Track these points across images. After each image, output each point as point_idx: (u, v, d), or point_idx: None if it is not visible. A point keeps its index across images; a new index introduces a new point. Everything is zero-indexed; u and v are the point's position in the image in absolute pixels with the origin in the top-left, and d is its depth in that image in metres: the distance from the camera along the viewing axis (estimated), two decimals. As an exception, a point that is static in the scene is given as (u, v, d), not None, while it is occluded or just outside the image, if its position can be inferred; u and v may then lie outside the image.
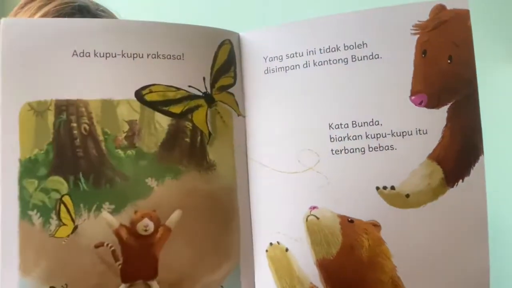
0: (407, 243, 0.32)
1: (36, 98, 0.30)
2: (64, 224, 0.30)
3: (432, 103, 0.33)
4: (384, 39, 0.33)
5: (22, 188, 0.30)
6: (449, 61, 0.32)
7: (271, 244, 0.34)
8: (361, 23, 0.34)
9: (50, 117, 0.31)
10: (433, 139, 0.32)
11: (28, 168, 0.30)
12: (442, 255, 0.32)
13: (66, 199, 0.31)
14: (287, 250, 0.33)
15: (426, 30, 0.33)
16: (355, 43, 0.34)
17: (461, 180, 0.32)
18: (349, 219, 0.33)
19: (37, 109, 0.30)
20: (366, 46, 0.33)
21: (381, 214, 0.32)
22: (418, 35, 0.33)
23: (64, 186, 0.30)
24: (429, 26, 0.33)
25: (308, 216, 0.33)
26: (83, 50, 0.31)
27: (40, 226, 0.30)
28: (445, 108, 0.32)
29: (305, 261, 0.33)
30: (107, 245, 0.31)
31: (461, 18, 0.32)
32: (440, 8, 0.33)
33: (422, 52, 0.33)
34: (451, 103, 0.32)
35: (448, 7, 0.33)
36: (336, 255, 0.33)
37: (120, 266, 0.31)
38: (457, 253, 0.32)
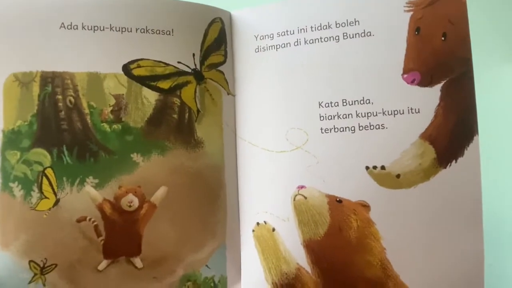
0: (397, 224, 0.32)
1: (22, 69, 0.30)
2: (45, 197, 0.30)
3: (425, 81, 0.32)
4: (377, 16, 0.33)
5: (4, 160, 0.30)
6: (443, 38, 0.32)
7: (258, 224, 0.33)
8: (353, 0, 0.33)
9: (35, 89, 0.31)
10: (425, 118, 0.32)
11: (11, 140, 0.30)
12: (433, 238, 0.31)
13: (49, 171, 0.30)
14: (274, 230, 0.33)
15: (420, 7, 0.32)
16: (347, 20, 0.33)
17: (454, 161, 0.31)
18: (338, 199, 0.32)
19: (22, 80, 0.30)
20: (358, 24, 0.33)
21: (371, 195, 0.32)
22: (411, 12, 0.33)
23: (47, 159, 0.30)
24: (423, 3, 0.32)
25: (296, 195, 0.33)
26: (71, 23, 0.31)
27: (21, 199, 0.30)
28: (438, 87, 0.32)
29: (292, 242, 0.33)
30: (90, 219, 0.31)
31: (456, -5, 0.32)
32: (435, -15, 0.32)
33: (415, 29, 0.32)
34: (445, 81, 0.32)
35: (443, -16, 0.32)
36: (324, 235, 0.32)
37: (102, 242, 0.31)
38: (450, 235, 0.31)
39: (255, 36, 0.35)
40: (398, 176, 0.32)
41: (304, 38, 0.34)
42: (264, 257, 0.33)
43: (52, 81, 0.31)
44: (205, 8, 0.35)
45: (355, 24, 0.33)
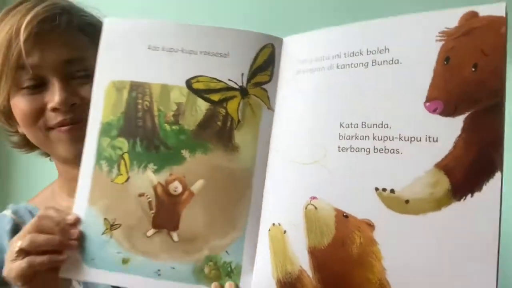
0: (401, 249, 0.33)
1: (118, 78, 0.43)
2: (121, 174, 0.42)
3: (448, 111, 0.33)
4: (407, 45, 0.35)
5: (99, 143, 0.42)
6: (473, 69, 0.32)
7: (273, 224, 0.39)
8: (386, 29, 0.36)
9: (125, 94, 0.43)
10: (443, 147, 0.32)
11: (105, 129, 0.42)
12: (440, 270, 0.32)
13: (126, 156, 0.42)
14: (285, 232, 0.38)
15: (453, 37, 0.33)
16: (377, 48, 0.36)
17: (470, 195, 0.31)
18: (344, 214, 0.35)
19: (117, 87, 0.43)
20: (388, 51, 0.36)
21: (377, 215, 0.34)
22: (443, 42, 0.33)
23: (125, 146, 0.42)
24: (457, 33, 0.33)
25: (308, 205, 0.37)
26: (155, 46, 0.43)
27: (106, 173, 0.42)
28: (461, 117, 0.32)
29: (298, 246, 0.37)
30: (146, 196, 0.41)
31: (494, 25, 0.32)
32: (472, 14, 0.33)
33: (445, 59, 0.33)
34: (470, 112, 0.32)
35: (481, 14, 0.32)
36: (327, 246, 0.36)
37: (152, 215, 0.41)
38: (458, 273, 0.31)
39: (298, 60, 0.41)
40: (407, 201, 0.33)
41: (337, 64, 0.38)
42: (273, 254, 0.38)
43: (136, 89, 0.42)
44: (259, 35, 0.42)
45: (385, 52, 0.36)
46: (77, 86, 0.50)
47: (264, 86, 0.42)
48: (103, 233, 0.41)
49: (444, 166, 0.32)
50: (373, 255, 0.34)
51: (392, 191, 0.33)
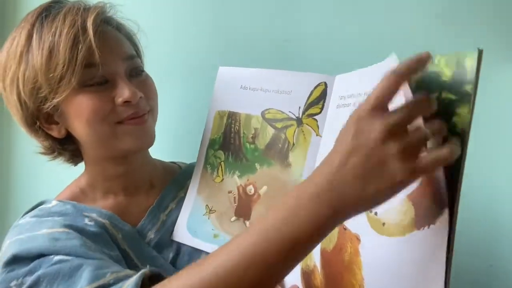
0: (374, 264, 0.42)
1: (221, 109, 0.65)
2: (218, 176, 0.64)
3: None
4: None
5: (207, 153, 0.66)
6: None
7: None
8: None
9: (225, 120, 0.65)
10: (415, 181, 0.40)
11: (211, 143, 0.66)
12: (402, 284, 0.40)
13: (222, 163, 0.64)
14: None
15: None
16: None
17: (427, 226, 0.38)
18: (344, 227, 0.47)
19: (220, 115, 0.65)
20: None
21: (363, 232, 0.44)
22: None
23: (223, 157, 0.64)
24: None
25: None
26: (245, 86, 0.63)
27: (209, 174, 0.65)
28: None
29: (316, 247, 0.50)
30: (233, 193, 0.62)
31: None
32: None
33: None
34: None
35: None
36: (331, 250, 0.48)
37: (235, 207, 0.62)
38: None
39: (338, 96, 0.53)
40: (383, 224, 0.42)
41: (359, 101, 0.49)
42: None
43: (231, 116, 0.64)
44: (315, 75, 0.57)
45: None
46: (137, 83, 0.56)
47: (315, 117, 0.56)
48: (204, 215, 0.64)
49: (413, 198, 0.39)
50: (357, 264, 0.44)
51: (376, 213, 0.43)
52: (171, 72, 0.86)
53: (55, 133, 0.58)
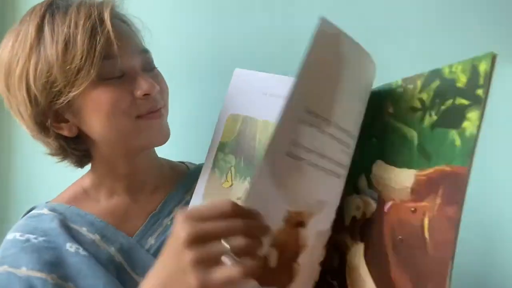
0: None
1: (235, 112, 0.65)
2: (227, 181, 0.64)
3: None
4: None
5: (216, 156, 0.65)
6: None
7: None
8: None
9: (239, 124, 0.64)
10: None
11: (221, 146, 0.65)
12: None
13: (233, 168, 0.64)
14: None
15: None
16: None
17: None
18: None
19: (234, 118, 0.65)
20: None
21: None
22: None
23: (233, 161, 0.64)
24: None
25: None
26: (267, 91, 0.63)
27: (218, 177, 0.64)
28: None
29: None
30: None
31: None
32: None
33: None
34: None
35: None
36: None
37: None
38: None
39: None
40: None
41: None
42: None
43: (247, 121, 0.63)
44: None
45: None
46: (149, 76, 0.56)
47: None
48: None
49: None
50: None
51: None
52: (178, 72, 0.85)
53: (65, 132, 0.57)
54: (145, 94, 0.54)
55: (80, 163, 0.62)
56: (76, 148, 0.58)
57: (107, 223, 0.59)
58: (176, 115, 0.68)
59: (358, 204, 0.45)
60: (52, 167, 0.62)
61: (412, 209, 0.37)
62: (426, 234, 0.35)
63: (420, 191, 0.37)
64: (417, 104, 0.41)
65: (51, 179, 0.79)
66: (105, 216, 0.60)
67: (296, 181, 0.40)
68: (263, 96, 0.62)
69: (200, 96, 0.88)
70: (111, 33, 0.51)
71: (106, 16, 0.51)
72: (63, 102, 0.52)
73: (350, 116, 0.42)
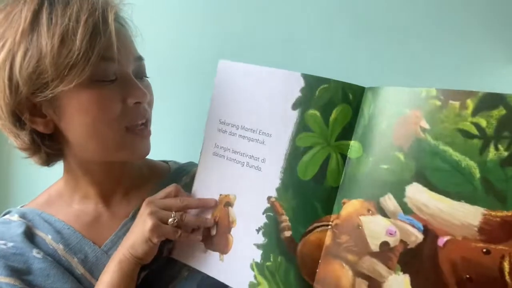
0: None
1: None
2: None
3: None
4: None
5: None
6: None
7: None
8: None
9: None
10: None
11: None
12: None
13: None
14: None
15: None
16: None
17: None
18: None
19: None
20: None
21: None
22: None
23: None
24: None
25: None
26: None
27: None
28: None
29: None
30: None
31: None
32: None
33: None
34: None
35: None
36: None
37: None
38: None
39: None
40: None
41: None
42: None
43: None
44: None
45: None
46: (142, 84, 0.54)
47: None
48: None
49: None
50: None
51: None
52: (171, 72, 0.89)
53: (40, 127, 0.53)
54: (136, 103, 0.52)
55: (47, 162, 0.58)
56: (50, 146, 0.55)
57: (75, 231, 0.57)
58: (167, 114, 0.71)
59: (390, 230, 0.42)
60: (51, 170, 0.61)
61: (484, 250, 0.37)
62: (508, 278, 0.36)
63: (492, 232, 0.37)
64: (472, 130, 0.38)
65: (51, 179, 0.66)
66: (75, 222, 0.58)
67: (222, 174, 0.55)
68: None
69: (190, 95, 0.89)
70: (113, 34, 0.48)
71: (111, 17, 0.49)
72: (46, 96, 0.49)
73: (258, 118, 0.52)
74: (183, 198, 0.54)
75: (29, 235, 0.55)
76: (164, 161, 0.71)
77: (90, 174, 0.59)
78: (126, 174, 0.62)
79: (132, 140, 0.53)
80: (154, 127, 0.59)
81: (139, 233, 0.50)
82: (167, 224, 0.51)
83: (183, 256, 0.57)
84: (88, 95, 0.49)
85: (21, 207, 0.61)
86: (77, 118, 0.51)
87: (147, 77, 0.58)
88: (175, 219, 0.51)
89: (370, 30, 0.69)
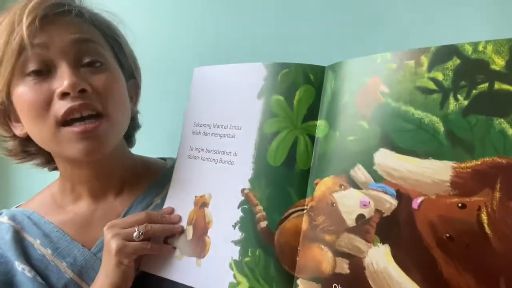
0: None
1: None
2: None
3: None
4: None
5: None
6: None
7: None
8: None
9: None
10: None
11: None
12: None
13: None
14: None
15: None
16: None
17: None
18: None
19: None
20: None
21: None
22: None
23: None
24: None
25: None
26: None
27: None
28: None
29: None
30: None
31: None
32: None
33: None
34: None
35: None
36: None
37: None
38: None
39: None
40: None
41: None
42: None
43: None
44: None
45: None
46: (87, 74, 0.50)
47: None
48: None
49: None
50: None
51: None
52: (170, 70, 0.86)
53: (17, 131, 0.54)
54: (64, 94, 0.48)
55: (42, 166, 0.61)
56: (27, 150, 0.57)
57: (64, 234, 0.57)
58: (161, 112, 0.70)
59: (363, 201, 0.41)
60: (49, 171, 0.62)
61: (460, 204, 0.36)
62: (488, 230, 0.35)
63: (465, 185, 0.36)
64: (429, 85, 0.38)
65: (51, 179, 0.65)
66: (65, 224, 0.58)
67: (197, 175, 0.55)
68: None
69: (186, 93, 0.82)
70: (24, 27, 0.47)
71: (28, 10, 0.48)
72: (2, 99, 0.51)
73: (229, 114, 0.53)
74: (147, 211, 0.53)
75: (17, 240, 0.55)
76: (162, 158, 0.69)
77: (78, 173, 0.57)
78: (117, 171, 0.60)
79: (69, 136, 0.49)
80: (152, 125, 0.58)
81: (108, 260, 0.49)
82: (134, 241, 0.49)
83: (153, 267, 0.54)
84: (20, 92, 0.50)
85: (16, 207, 0.61)
86: (21, 117, 0.52)
87: (99, 62, 0.53)
88: (140, 232, 0.49)
89: (370, 30, 0.70)
